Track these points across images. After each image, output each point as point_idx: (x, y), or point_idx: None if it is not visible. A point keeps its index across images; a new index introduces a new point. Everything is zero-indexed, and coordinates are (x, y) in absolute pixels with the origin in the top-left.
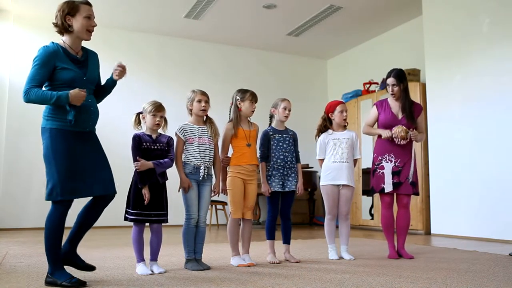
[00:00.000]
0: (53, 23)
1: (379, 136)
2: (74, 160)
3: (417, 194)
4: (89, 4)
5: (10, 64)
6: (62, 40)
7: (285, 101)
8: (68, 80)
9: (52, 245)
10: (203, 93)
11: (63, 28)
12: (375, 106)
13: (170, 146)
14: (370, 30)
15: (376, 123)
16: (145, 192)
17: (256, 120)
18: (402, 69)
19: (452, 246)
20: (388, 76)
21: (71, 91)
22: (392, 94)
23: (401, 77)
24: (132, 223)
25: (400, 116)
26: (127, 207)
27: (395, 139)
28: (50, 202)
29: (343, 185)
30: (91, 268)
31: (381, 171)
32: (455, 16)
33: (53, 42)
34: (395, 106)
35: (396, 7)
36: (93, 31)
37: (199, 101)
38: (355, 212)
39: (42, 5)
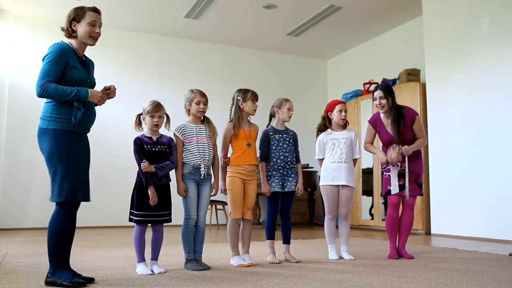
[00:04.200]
0: (61, 28)
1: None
2: (76, 161)
3: (421, 194)
4: (97, 11)
5: (10, 64)
6: (70, 42)
7: (288, 102)
8: (76, 79)
9: (56, 246)
10: (202, 95)
11: (68, 33)
12: (369, 124)
13: (171, 148)
14: (370, 30)
15: (378, 137)
16: (151, 193)
17: (256, 120)
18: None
19: (452, 246)
20: (375, 89)
21: (92, 90)
22: (380, 107)
23: (388, 90)
24: (133, 223)
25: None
26: (131, 208)
27: (390, 162)
28: (50, 202)
29: (342, 185)
30: (89, 280)
31: (387, 173)
32: (455, 16)
33: (63, 41)
34: (388, 124)
35: (396, 7)
36: (97, 37)
37: (198, 103)
38: (355, 212)
39: (42, 5)
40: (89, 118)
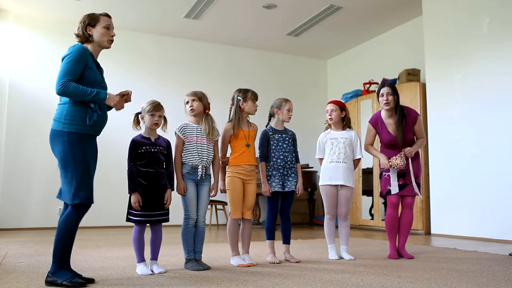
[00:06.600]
0: (75, 34)
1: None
2: (90, 165)
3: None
4: (109, 16)
5: (10, 64)
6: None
7: (288, 103)
8: (92, 81)
9: (64, 246)
10: (189, 94)
11: (84, 37)
12: (370, 124)
13: (169, 154)
14: (370, 30)
15: (377, 138)
16: (135, 199)
17: (256, 119)
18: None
19: (452, 246)
20: (382, 86)
21: (110, 93)
22: (386, 104)
23: (395, 88)
24: (132, 223)
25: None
26: (129, 208)
27: (394, 167)
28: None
29: (341, 185)
30: (90, 280)
31: (387, 173)
32: (455, 16)
33: (81, 44)
34: (390, 124)
35: (396, 7)
36: (112, 40)
37: (187, 103)
38: (355, 212)
39: (42, 5)
40: (103, 121)
